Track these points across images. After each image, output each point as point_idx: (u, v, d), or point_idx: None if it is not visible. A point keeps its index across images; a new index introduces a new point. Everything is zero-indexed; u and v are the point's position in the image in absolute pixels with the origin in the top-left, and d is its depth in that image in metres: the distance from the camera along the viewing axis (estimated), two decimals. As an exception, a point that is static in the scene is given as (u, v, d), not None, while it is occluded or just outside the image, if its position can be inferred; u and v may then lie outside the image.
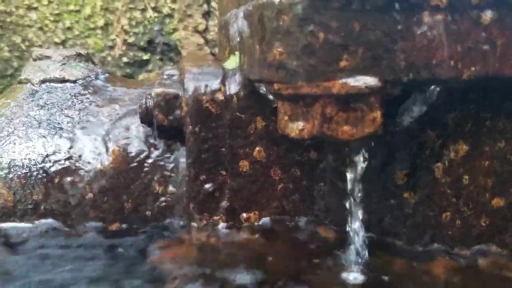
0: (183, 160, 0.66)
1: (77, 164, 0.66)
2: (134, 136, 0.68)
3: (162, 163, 0.67)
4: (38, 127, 0.68)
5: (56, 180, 0.65)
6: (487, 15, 0.46)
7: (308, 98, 0.48)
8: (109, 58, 1.97)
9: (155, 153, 0.67)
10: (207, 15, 1.91)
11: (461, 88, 0.52)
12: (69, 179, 0.65)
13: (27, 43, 1.96)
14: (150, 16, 1.92)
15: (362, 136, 0.48)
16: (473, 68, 0.47)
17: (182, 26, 1.90)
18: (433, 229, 0.60)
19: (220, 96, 0.62)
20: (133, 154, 0.67)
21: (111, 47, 1.97)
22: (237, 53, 0.66)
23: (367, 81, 0.46)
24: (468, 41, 0.46)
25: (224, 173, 0.64)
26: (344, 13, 0.44)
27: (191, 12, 1.90)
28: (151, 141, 0.68)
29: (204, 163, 0.63)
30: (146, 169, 0.66)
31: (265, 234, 0.65)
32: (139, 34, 1.94)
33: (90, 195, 0.65)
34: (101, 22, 1.94)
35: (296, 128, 0.50)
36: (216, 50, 1.46)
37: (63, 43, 1.96)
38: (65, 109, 0.70)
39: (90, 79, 0.74)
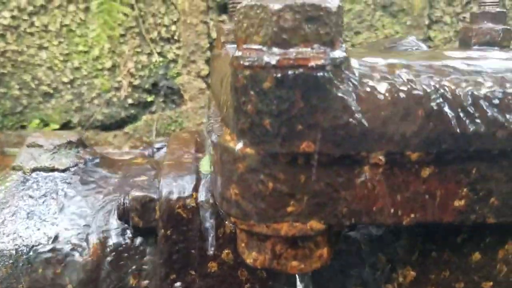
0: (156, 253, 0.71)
1: (59, 256, 0.71)
2: (113, 229, 0.73)
3: (137, 256, 0.71)
4: (26, 218, 0.73)
5: (40, 271, 0.70)
6: (426, 169, 0.50)
7: (260, 235, 0.52)
8: (114, 99, 2.04)
9: (132, 247, 0.72)
10: (210, 61, 1.97)
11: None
12: (51, 271, 0.70)
13: (36, 82, 2.04)
14: (156, 61, 1.99)
15: (309, 270, 0.52)
16: (412, 215, 0.51)
17: (186, 71, 1.97)
18: None
19: (191, 203, 0.67)
20: (111, 247, 0.71)
21: (117, 89, 2.04)
22: (210, 157, 0.70)
23: (313, 224, 0.50)
24: (408, 192, 0.50)
25: (193, 272, 0.68)
26: (290, 167, 0.49)
27: (195, 58, 1.96)
28: (128, 234, 0.72)
29: (175, 263, 0.68)
30: (122, 262, 0.71)
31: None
32: (144, 77, 2.01)
33: (70, 287, 0.70)
34: (108, 64, 2.01)
35: (251, 257, 0.54)
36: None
37: (71, 82, 2.03)
38: (51, 199, 0.75)
39: (79, 167, 0.80)
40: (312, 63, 0.45)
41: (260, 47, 0.47)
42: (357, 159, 0.49)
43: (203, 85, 1.97)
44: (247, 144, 0.49)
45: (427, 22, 1.92)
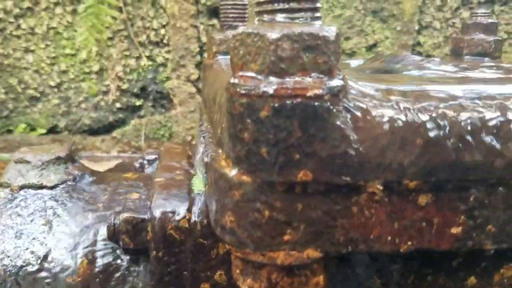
0: (147, 274, 0.70)
1: (47, 276, 0.69)
2: (103, 247, 0.71)
3: (128, 277, 0.70)
4: (14, 237, 0.72)
5: (28, 292, 0.69)
6: (424, 197, 0.49)
7: (256, 263, 0.51)
8: (102, 103, 2.02)
9: (122, 267, 0.70)
10: (200, 65, 1.95)
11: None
12: (39, 292, 0.69)
13: (23, 86, 2.01)
14: (144, 64, 1.96)
15: (305, 298, 0.52)
16: (410, 243, 0.50)
17: (175, 75, 1.95)
18: None
19: (184, 224, 0.66)
20: (101, 268, 0.70)
21: (105, 92, 2.01)
22: (203, 175, 0.69)
23: (309, 253, 0.50)
24: (405, 219, 0.50)
25: (186, 294, 0.67)
26: (287, 195, 0.48)
27: (184, 63, 1.95)
28: (119, 253, 0.71)
29: (166, 285, 0.67)
30: (112, 283, 0.70)
31: None
32: (132, 81, 1.98)
33: (59, 308, 0.68)
34: (96, 67, 1.98)
35: (246, 284, 0.53)
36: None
37: (58, 86, 2.00)
38: (40, 217, 0.74)
39: (67, 184, 0.78)
40: (310, 93, 0.45)
41: (257, 75, 0.46)
42: (355, 188, 0.48)
43: (193, 90, 1.96)
44: (244, 172, 0.48)
45: (417, 27, 1.92)
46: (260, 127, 0.46)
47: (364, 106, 0.47)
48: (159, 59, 1.95)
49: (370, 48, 1.95)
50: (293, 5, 0.48)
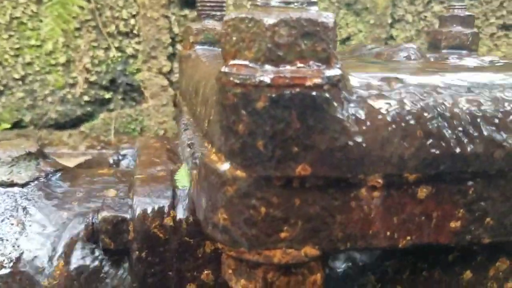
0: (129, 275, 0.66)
1: (21, 281, 0.65)
2: (80, 248, 0.67)
3: (108, 280, 0.66)
4: (-18, 239, 0.67)
5: (-1, 298, 0.64)
6: (423, 190, 0.48)
7: (250, 262, 0.49)
8: (69, 96, 1.94)
9: (102, 268, 0.67)
10: (172, 56, 1.90)
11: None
12: (12, 297, 0.64)
13: (-16, 78, 1.90)
14: (114, 56, 1.89)
15: (302, 297, 0.49)
16: (408, 238, 0.49)
17: (146, 67, 1.89)
18: None
19: (168, 222, 0.63)
20: (78, 270, 0.66)
21: (72, 85, 1.93)
22: (188, 171, 0.66)
23: (307, 250, 0.47)
24: (404, 213, 0.48)
25: (170, 295, 0.64)
26: (285, 190, 0.46)
27: (156, 54, 1.89)
28: (98, 255, 0.67)
29: (151, 287, 0.63)
30: (91, 285, 0.66)
31: None
32: (101, 73, 1.91)
33: (34, 313, 0.64)
34: (62, 59, 1.90)
35: (239, 284, 0.50)
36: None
37: (22, 79, 1.91)
38: (11, 217, 0.69)
39: (40, 181, 0.73)
40: (309, 82, 0.42)
41: (251, 63, 0.43)
42: (354, 182, 0.46)
43: (165, 82, 1.91)
44: (238, 167, 0.45)
45: (389, 21, 1.93)
46: (256, 119, 0.43)
47: (364, 96, 0.45)
48: (129, 50, 1.89)
49: (343, 41, 1.95)
50: (289, -11, 0.46)
